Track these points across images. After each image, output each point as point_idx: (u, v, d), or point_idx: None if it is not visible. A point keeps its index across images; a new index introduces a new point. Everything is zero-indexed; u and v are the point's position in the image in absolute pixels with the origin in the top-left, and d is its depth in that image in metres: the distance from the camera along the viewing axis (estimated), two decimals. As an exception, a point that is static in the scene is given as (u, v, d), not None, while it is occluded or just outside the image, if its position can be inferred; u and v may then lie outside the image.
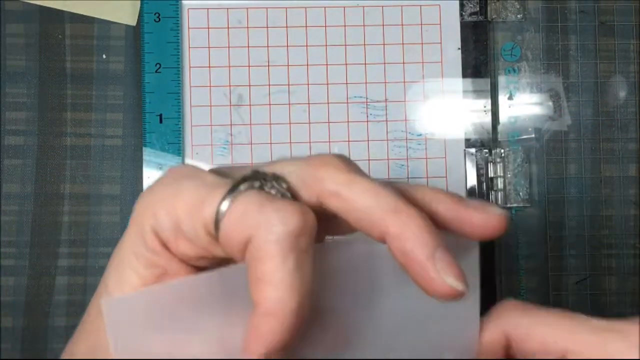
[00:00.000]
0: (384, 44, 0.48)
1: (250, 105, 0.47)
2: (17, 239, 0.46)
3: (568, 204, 0.48)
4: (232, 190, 0.24)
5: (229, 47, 0.47)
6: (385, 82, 0.48)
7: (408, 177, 0.47)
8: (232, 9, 0.47)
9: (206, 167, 0.46)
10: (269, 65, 0.47)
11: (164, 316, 0.24)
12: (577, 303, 0.48)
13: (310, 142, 0.47)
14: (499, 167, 0.48)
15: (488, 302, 0.49)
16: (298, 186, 0.25)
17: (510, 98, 0.49)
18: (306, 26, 0.48)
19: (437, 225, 0.25)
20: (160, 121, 0.46)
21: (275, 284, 0.23)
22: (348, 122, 0.47)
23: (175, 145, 0.46)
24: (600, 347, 0.27)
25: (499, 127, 0.48)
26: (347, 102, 0.47)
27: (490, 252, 0.48)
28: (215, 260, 0.25)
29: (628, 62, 0.49)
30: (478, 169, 0.48)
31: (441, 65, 0.48)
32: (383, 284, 0.26)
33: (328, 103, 0.47)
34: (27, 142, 0.47)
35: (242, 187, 0.24)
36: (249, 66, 0.47)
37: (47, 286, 0.46)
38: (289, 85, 0.47)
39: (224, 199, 0.24)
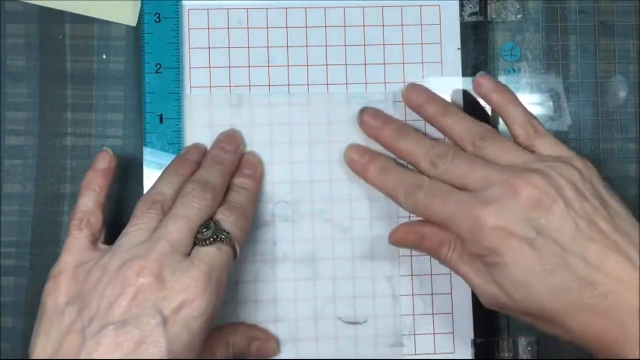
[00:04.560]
0: (383, 44, 0.48)
1: (250, 105, 0.47)
2: (17, 239, 0.46)
3: (568, 204, 0.48)
4: None
5: (229, 47, 0.47)
6: (385, 82, 0.48)
7: (408, 177, 0.47)
8: (232, 9, 0.47)
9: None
10: (269, 65, 0.47)
11: None
12: (577, 303, 0.48)
13: (310, 142, 0.47)
14: (499, 167, 0.48)
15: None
16: None
17: (510, 98, 0.48)
18: (306, 26, 0.48)
19: None
20: (161, 121, 0.46)
21: None
22: (348, 122, 0.47)
23: (175, 145, 0.46)
24: None
25: (499, 127, 0.48)
26: (347, 102, 0.47)
27: (490, 252, 0.47)
28: None
29: (628, 62, 0.49)
30: (478, 169, 0.48)
31: (441, 65, 0.48)
32: None
33: (328, 103, 0.47)
34: (27, 142, 0.47)
35: None
36: (249, 66, 0.47)
37: (47, 286, 0.46)
38: (289, 85, 0.47)
39: None
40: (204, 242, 0.39)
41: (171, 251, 0.37)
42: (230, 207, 0.41)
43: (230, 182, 0.44)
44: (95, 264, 0.38)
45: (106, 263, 0.38)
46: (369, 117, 0.46)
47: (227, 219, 0.40)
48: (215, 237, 0.39)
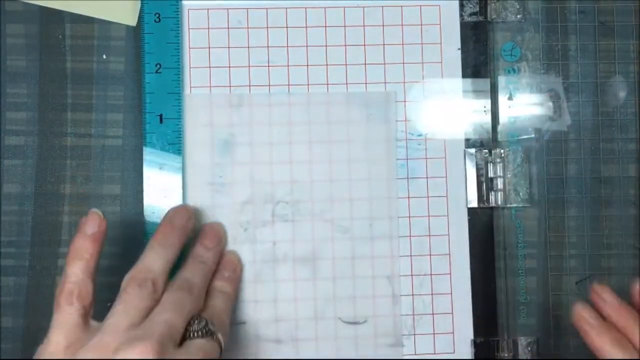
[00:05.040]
0: (384, 44, 0.48)
1: (250, 105, 0.47)
2: (17, 239, 0.46)
3: (568, 204, 0.48)
4: None
5: (229, 47, 0.47)
6: (385, 82, 0.48)
7: (408, 177, 0.47)
8: (232, 9, 0.47)
9: (205, 167, 0.47)
10: (269, 65, 0.47)
11: None
12: (577, 303, 0.48)
13: (310, 142, 0.47)
14: (499, 167, 0.48)
15: (488, 302, 0.49)
16: None
17: (510, 98, 0.49)
18: (306, 26, 0.48)
19: None
20: (161, 121, 0.46)
21: None
22: (348, 122, 0.47)
23: (175, 145, 0.46)
24: None
25: (499, 127, 0.48)
26: (347, 102, 0.47)
27: (491, 252, 0.48)
28: None
29: (628, 62, 0.49)
30: (478, 169, 0.48)
31: (441, 66, 0.48)
32: None
33: (328, 103, 0.47)
34: (27, 142, 0.47)
35: None
36: (249, 66, 0.47)
37: (47, 286, 0.46)
38: (289, 85, 0.47)
39: None
40: (196, 334, 0.38)
41: (169, 336, 0.36)
42: (211, 313, 0.41)
43: (211, 284, 0.43)
44: (88, 344, 0.36)
45: (100, 343, 0.36)
46: (607, 294, 0.43)
47: (210, 321, 0.40)
48: (206, 330, 0.39)
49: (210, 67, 0.47)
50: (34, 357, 0.37)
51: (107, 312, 0.37)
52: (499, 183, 0.48)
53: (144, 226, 0.45)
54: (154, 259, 0.40)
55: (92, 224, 0.40)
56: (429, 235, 0.47)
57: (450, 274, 0.47)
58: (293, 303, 0.47)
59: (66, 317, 0.37)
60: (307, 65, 0.48)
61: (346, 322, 0.47)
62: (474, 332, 0.47)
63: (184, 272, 0.42)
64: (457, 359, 0.47)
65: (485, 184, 0.48)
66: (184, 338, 0.38)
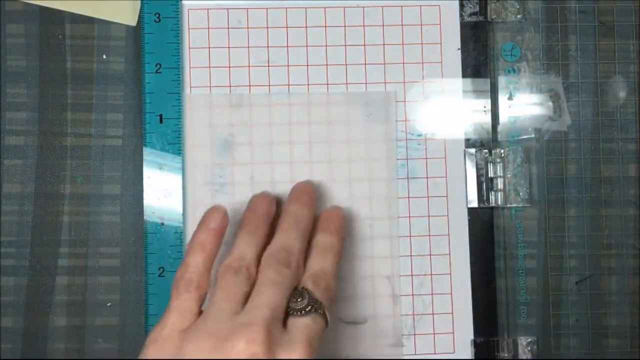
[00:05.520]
0: (384, 44, 0.48)
1: (250, 105, 0.47)
2: (17, 239, 0.46)
3: (568, 204, 0.49)
4: None
5: (229, 47, 0.47)
6: (385, 82, 0.48)
7: (408, 177, 0.47)
8: (232, 9, 0.47)
9: (205, 167, 0.47)
10: (269, 65, 0.47)
11: None
12: (577, 303, 0.48)
13: (310, 142, 0.47)
14: (499, 167, 0.48)
15: (488, 302, 0.49)
16: None
17: (510, 98, 0.49)
18: (306, 26, 0.48)
19: None
20: (161, 121, 0.46)
21: None
22: (348, 122, 0.47)
23: (175, 145, 0.46)
24: None
25: (499, 127, 0.48)
26: (347, 102, 0.47)
27: (491, 252, 0.48)
28: None
29: (628, 62, 0.49)
30: (478, 169, 0.48)
31: (441, 66, 0.48)
32: None
33: (328, 103, 0.47)
34: (27, 142, 0.47)
35: None
36: (249, 66, 0.47)
37: (47, 286, 0.46)
38: (289, 85, 0.47)
39: None
40: (299, 313, 0.37)
41: (273, 320, 0.36)
42: (316, 277, 0.40)
43: (313, 240, 0.42)
44: (198, 331, 0.36)
45: (207, 330, 0.36)
46: None
47: (316, 290, 0.39)
48: (310, 307, 0.37)
49: (210, 67, 0.47)
50: (148, 338, 0.37)
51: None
52: (499, 183, 0.48)
53: (144, 226, 0.45)
54: (244, 249, 0.40)
55: (216, 219, 0.40)
56: (429, 235, 0.47)
57: (450, 274, 0.47)
58: (293, 303, 0.47)
59: (183, 303, 0.38)
60: (307, 65, 0.48)
61: (346, 322, 0.47)
62: (474, 332, 0.47)
63: (277, 238, 0.40)
64: (457, 359, 0.47)
65: (485, 184, 0.48)
66: (286, 314, 0.37)
